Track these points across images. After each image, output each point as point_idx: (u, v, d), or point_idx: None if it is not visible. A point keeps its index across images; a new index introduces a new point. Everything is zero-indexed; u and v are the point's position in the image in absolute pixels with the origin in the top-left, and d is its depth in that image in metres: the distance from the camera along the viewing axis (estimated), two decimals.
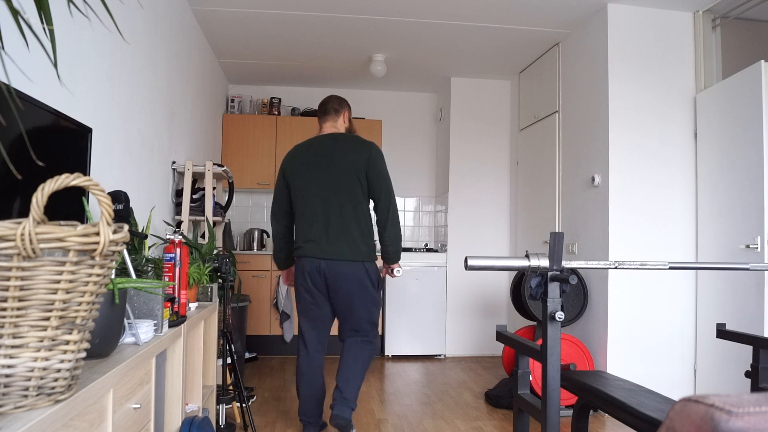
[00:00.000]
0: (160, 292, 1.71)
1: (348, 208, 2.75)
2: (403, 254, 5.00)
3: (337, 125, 2.92)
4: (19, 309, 0.88)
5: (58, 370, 0.94)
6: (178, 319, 1.93)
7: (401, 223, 5.31)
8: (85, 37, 2.09)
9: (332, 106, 2.92)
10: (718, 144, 3.42)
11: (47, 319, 0.91)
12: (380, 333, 4.99)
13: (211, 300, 2.68)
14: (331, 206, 2.75)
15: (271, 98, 5.40)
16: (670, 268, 1.75)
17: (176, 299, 1.94)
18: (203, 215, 3.40)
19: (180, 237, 2.05)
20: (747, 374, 1.99)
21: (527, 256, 1.56)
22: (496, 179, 5.28)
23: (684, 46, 3.65)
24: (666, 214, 3.57)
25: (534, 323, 3.88)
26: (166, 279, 1.96)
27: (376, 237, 2.87)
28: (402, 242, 3.04)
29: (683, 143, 3.62)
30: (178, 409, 1.98)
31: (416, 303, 5.01)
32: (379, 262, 2.97)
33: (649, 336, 3.49)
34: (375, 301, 2.88)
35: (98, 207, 1.21)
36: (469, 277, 5.14)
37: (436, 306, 5.06)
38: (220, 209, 3.76)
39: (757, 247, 3.01)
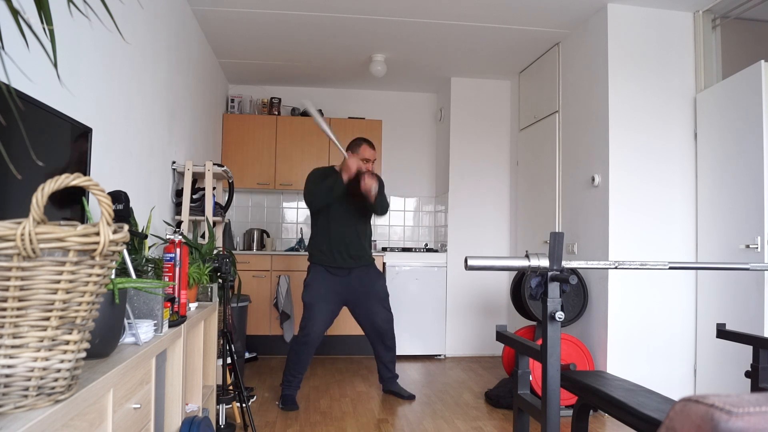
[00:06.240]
0: (160, 292, 1.71)
1: None
2: (403, 254, 5.08)
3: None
4: (19, 309, 0.88)
5: (58, 370, 0.94)
6: (178, 319, 1.93)
7: (402, 224, 5.82)
8: (85, 37, 2.09)
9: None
10: (718, 144, 3.42)
11: (47, 319, 0.91)
12: None
13: (211, 300, 2.68)
14: None
15: (271, 98, 5.39)
16: (670, 268, 1.75)
17: (176, 299, 1.94)
18: (203, 215, 3.40)
19: (180, 237, 2.05)
20: (747, 374, 1.99)
21: (527, 256, 1.56)
22: (496, 179, 5.28)
23: (684, 46, 3.65)
24: (666, 214, 3.57)
25: (534, 323, 3.88)
26: (166, 279, 1.96)
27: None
28: (319, 198, 3.45)
29: (683, 143, 3.62)
30: (178, 409, 1.98)
31: (416, 303, 5.01)
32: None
33: (649, 336, 3.49)
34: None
35: (98, 207, 1.21)
36: (469, 277, 5.14)
37: (436, 306, 5.06)
38: (220, 209, 3.76)
39: (757, 247, 3.01)
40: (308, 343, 3.46)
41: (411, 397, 3.68)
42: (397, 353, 4.96)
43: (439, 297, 5.07)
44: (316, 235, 3.59)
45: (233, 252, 3.84)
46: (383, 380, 3.78)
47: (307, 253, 3.69)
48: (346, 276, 3.54)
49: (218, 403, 2.80)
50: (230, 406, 3.14)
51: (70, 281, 0.92)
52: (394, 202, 5.77)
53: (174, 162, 3.40)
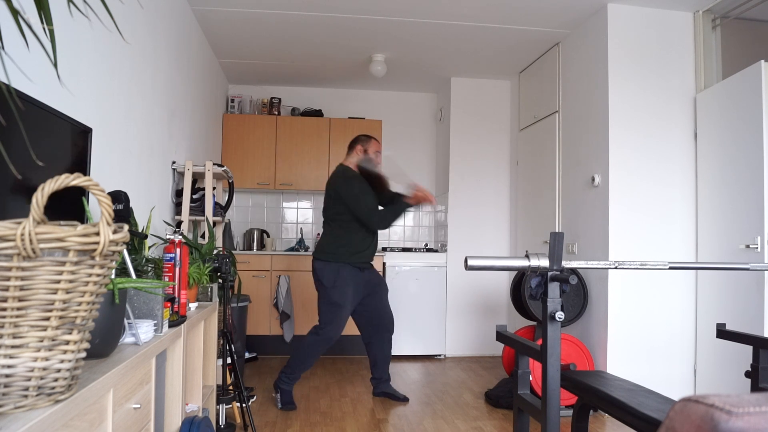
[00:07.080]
0: (160, 292, 1.71)
1: (325, 221, 3.65)
2: (403, 254, 5.07)
3: (348, 159, 3.64)
4: (19, 309, 0.88)
5: (58, 370, 0.94)
6: (178, 319, 1.93)
7: (402, 224, 5.81)
8: (85, 37, 2.09)
9: (350, 144, 3.69)
10: (718, 144, 3.42)
11: (47, 319, 0.91)
12: None
13: (211, 300, 2.68)
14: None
15: (271, 98, 5.39)
16: (670, 268, 1.75)
17: (176, 299, 1.94)
18: (203, 215, 3.40)
19: (180, 237, 2.05)
20: (747, 374, 1.99)
21: (527, 256, 1.56)
22: (496, 179, 5.28)
23: (684, 46, 3.65)
24: (666, 214, 3.57)
25: (534, 323, 3.88)
26: (166, 279, 1.96)
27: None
28: (385, 222, 3.53)
29: (683, 143, 3.62)
30: (178, 409, 1.98)
31: (416, 303, 5.01)
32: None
33: (649, 336, 3.49)
34: (323, 297, 3.49)
35: (98, 207, 1.21)
36: (469, 277, 5.13)
37: (436, 306, 5.06)
38: (220, 209, 3.76)
39: (757, 247, 3.01)
40: (330, 341, 3.47)
41: (405, 399, 3.67)
42: (397, 353, 4.98)
43: (439, 297, 5.07)
44: (347, 235, 3.51)
45: (233, 252, 3.84)
46: (378, 382, 3.73)
47: (309, 253, 3.71)
48: (366, 271, 3.61)
49: (218, 403, 2.80)
50: (230, 406, 3.14)
51: (70, 281, 0.92)
52: None
53: (174, 162, 3.40)
